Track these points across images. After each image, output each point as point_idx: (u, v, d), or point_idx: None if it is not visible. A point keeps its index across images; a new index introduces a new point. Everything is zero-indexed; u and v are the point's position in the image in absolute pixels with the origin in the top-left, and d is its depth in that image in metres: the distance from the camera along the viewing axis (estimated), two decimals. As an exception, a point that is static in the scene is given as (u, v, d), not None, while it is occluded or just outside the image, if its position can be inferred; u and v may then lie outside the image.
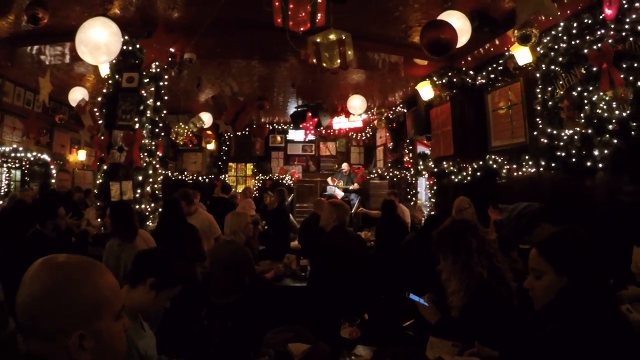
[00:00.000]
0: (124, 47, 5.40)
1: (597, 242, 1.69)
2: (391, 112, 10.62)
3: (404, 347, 2.56)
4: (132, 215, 3.97)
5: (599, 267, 1.62)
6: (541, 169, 5.30)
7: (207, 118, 9.82)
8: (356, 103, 8.84)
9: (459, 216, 4.58)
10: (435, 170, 7.47)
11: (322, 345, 2.53)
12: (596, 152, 4.46)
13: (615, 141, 4.29)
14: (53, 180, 9.54)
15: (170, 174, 11.93)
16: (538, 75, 5.43)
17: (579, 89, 4.74)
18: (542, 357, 1.57)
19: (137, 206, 5.72)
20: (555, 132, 5.06)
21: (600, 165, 4.45)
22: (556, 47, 5.11)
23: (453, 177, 6.87)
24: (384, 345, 2.61)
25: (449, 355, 2.07)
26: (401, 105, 10.08)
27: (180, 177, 12.41)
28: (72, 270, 1.11)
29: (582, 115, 4.65)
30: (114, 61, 5.44)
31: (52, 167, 9.60)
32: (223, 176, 12.86)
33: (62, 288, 1.07)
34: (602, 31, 4.47)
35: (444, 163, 7.15)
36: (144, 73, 5.95)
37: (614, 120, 4.27)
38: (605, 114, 4.36)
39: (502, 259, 2.44)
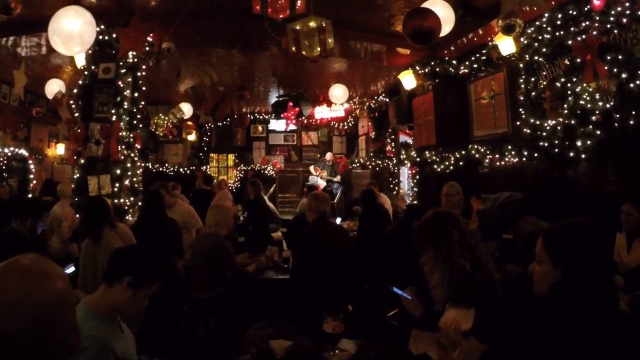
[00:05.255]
0: (100, 37, 5.21)
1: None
2: (373, 101, 10.59)
3: (388, 339, 2.53)
4: (101, 214, 3.76)
5: (601, 263, 1.61)
6: (524, 159, 5.33)
7: (187, 109, 9.67)
8: (338, 92, 8.77)
9: (446, 202, 4.57)
10: (418, 159, 7.47)
11: (305, 340, 2.50)
12: (579, 143, 4.49)
13: (598, 132, 4.32)
14: (32, 176, 9.28)
15: (150, 166, 11.74)
16: (521, 65, 5.44)
17: (562, 80, 4.76)
18: (536, 346, 1.56)
19: (116, 200, 5.59)
20: (538, 122, 5.09)
21: (583, 155, 4.49)
22: (540, 37, 5.11)
23: (435, 166, 6.89)
24: (369, 337, 2.59)
25: (431, 345, 2.07)
26: (383, 95, 10.06)
27: (161, 169, 12.24)
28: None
29: (565, 106, 4.68)
30: (89, 51, 5.25)
31: (30, 162, 9.32)
32: (204, 167, 12.72)
33: None
34: (587, 23, 4.47)
35: (426, 152, 7.14)
36: (121, 63, 5.77)
37: (597, 112, 4.29)
38: (589, 105, 4.39)
39: (484, 250, 2.43)
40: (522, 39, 5.34)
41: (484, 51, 6.21)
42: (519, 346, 1.70)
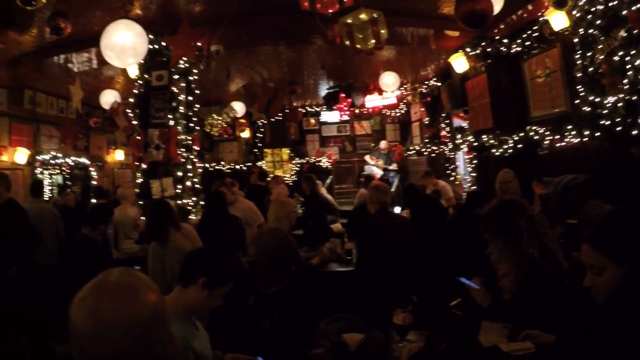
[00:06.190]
0: (150, 46, 5.42)
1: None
2: (425, 86, 10.37)
3: (455, 330, 2.49)
4: (165, 216, 3.85)
5: None
6: (585, 139, 5.04)
7: (239, 107, 9.86)
8: (389, 80, 8.66)
9: (502, 189, 4.43)
10: (475, 144, 7.26)
11: (376, 333, 2.51)
12: (642, 120, 4.18)
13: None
14: (94, 182, 9.92)
15: (207, 165, 12.10)
16: (576, 40, 5.11)
17: (620, 53, 4.41)
18: (611, 351, 1.47)
19: (179, 201, 5.83)
20: (597, 99, 4.77)
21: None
22: (593, 9, 4.76)
23: (493, 150, 6.66)
24: (435, 328, 2.56)
25: (500, 337, 2.03)
26: (435, 79, 9.82)
27: (217, 167, 12.58)
28: None
29: (625, 81, 4.35)
30: (142, 61, 5.47)
31: (91, 169, 9.99)
32: (260, 163, 12.93)
33: None
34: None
35: (483, 136, 6.95)
36: (173, 70, 5.99)
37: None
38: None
39: (552, 238, 2.35)
40: (574, 12, 5.01)
41: (535, 27, 5.91)
42: (589, 337, 1.63)
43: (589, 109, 4.90)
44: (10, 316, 4.15)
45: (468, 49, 6.88)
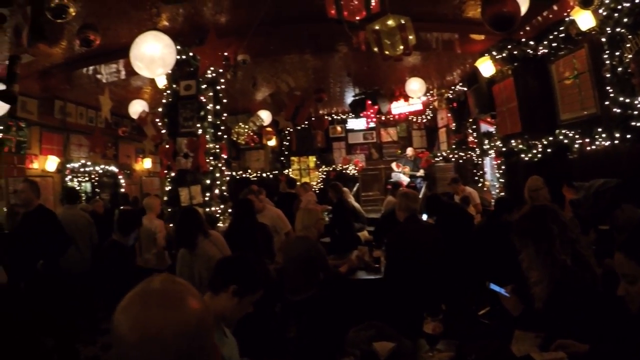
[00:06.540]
0: (178, 57, 5.55)
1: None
2: (451, 91, 10.27)
3: (489, 340, 2.45)
4: (194, 224, 3.89)
5: None
6: (616, 142, 4.89)
7: (265, 116, 9.96)
8: (415, 86, 8.61)
9: (532, 197, 4.35)
10: (503, 149, 7.14)
11: (407, 342, 2.48)
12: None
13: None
14: (122, 189, 10.22)
15: (234, 174, 12.24)
16: (603, 39, 4.99)
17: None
18: None
19: (208, 209, 5.91)
20: (628, 100, 4.63)
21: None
22: (619, 7, 4.65)
23: (522, 155, 6.53)
24: (464, 338, 2.52)
25: (533, 346, 2.00)
26: (461, 84, 9.73)
27: (244, 175, 12.71)
28: None
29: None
30: (170, 71, 5.61)
31: (120, 177, 10.30)
32: (287, 171, 13.01)
33: None
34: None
35: (512, 141, 6.81)
36: (201, 79, 6.11)
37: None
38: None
39: (585, 244, 2.29)
40: (600, 11, 4.90)
41: (561, 28, 5.79)
42: (623, 347, 1.59)
43: (620, 110, 4.76)
44: (39, 318, 4.26)
45: (494, 52, 6.78)
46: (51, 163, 8.46)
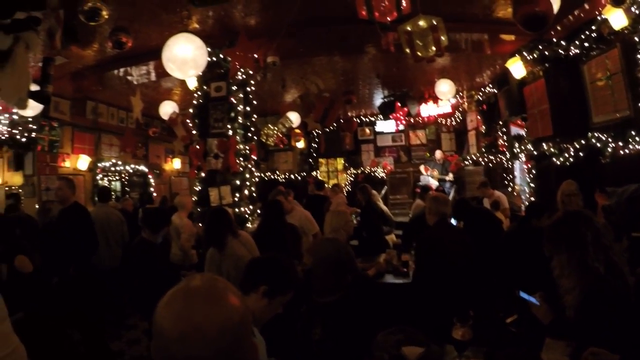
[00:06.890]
0: (209, 59, 5.66)
1: None
2: (481, 93, 10.12)
3: (517, 347, 2.43)
4: (224, 223, 3.95)
5: None
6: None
7: (294, 117, 10.02)
8: (444, 88, 8.51)
9: (565, 202, 4.26)
10: (534, 152, 7.00)
11: (435, 347, 2.47)
12: None
13: None
14: (152, 189, 10.51)
15: (262, 175, 12.37)
16: (636, 39, 4.84)
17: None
18: None
19: (237, 209, 6.00)
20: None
21: None
22: (653, 5, 4.51)
23: (554, 159, 6.38)
24: (492, 345, 2.50)
25: (564, 355, 2.00)
26: (491, 86, 9.56)
27: (272, 176, 12.82)
28: None
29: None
30: (200, 73, 5.72)
31: (150, 176, 10.59)
32: (315, 172, 13.06)
33: None
34: None
35: (543, 144, 6.67)
36: (231, 81, 6.21)
37: None
38: None
39: (618, 252, 2.25)
40: (632, 9, 4.74)
41: (593, 27, 5.61)
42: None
43: (654, 112, 4.62)
44: (68, 313, 4.38)
45: (525, 53, 6.64)
46: (83, 162, 8.78)
